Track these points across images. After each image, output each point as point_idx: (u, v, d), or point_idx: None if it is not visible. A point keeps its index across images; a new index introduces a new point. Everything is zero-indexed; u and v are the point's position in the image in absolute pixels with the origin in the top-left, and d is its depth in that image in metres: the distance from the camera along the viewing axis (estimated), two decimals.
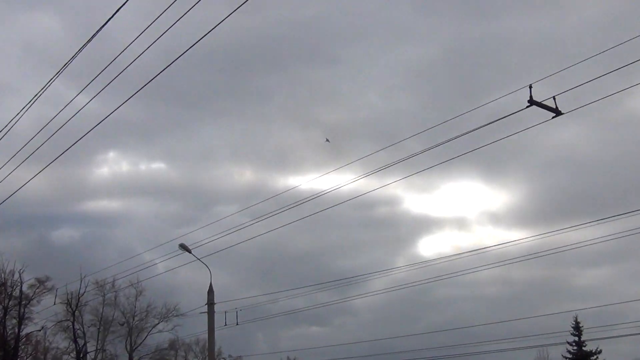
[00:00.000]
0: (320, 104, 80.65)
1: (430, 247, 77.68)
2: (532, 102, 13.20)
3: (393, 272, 27.70)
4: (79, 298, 47.19)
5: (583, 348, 46.61)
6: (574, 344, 46.76)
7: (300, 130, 79.63)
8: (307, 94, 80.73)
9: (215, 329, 25.36)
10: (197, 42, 10.82)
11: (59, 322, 47.65)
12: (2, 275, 46.30)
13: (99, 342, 48.58)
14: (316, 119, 78.37)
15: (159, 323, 50.99)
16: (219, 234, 23.74)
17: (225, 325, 27.10)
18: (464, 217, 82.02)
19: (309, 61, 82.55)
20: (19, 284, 46.62)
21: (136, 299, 50.39)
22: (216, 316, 25.54)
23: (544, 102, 13.23)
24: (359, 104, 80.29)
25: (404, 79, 79.68)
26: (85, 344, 47.96)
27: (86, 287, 46.95)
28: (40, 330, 47.90)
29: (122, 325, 49.86)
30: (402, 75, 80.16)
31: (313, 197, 19.61)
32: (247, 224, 22.37)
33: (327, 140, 48.85)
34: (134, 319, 50.22)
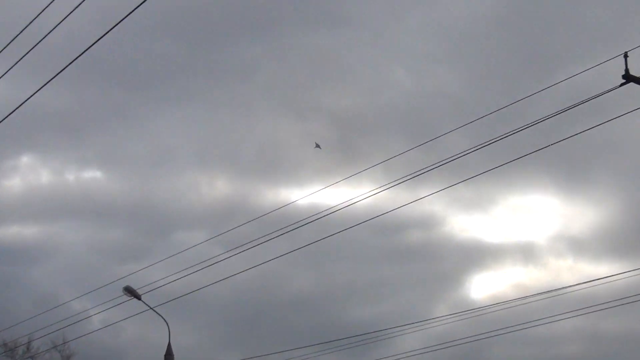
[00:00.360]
0: (325, 84, 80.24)
1: (485, 287, 76.82)
2: (628, 77, 13.15)
3: (432, 324, 27.52)
4: None
5: None
6: None
7: (296, 121, 79.18)
8: (306, 70, 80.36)
9: None
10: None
11: None
12: None
13: None
14: (318, 106, 78.00)
15: None
16: (180, 272, 23.68)
17: None
18: (531, 243, 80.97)
19: (308, 24, 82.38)
20: None
21: None
22: None
23: None
24: (379, 83, 79.84)
25: (443, 47, 79.21)
26: None
27: None
28: None
29: None
30: (440, 41, 79.73)
31: (316, 217, 19.62)
32: (220, 258, 22.37)
33: (317, 145, 46.83)
34: None
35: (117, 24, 11.48)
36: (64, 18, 11.56)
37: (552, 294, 24.12)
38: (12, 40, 12.31)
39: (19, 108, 13.64)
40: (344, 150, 70.06)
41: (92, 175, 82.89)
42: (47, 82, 12.92)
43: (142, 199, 78.96)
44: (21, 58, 12.47)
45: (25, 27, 12.09)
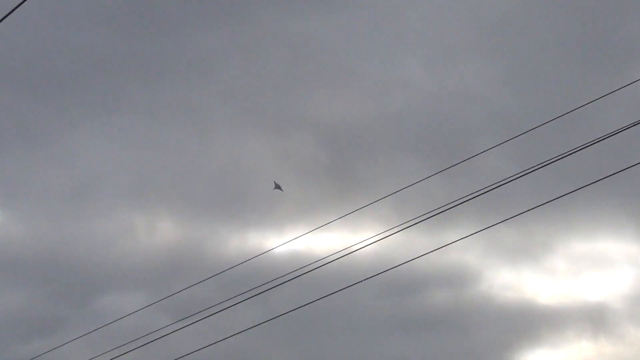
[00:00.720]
0: (311, 86, 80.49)
1: None
2: None
3: None
4: None
5: None
6: None
7: (272, 137, 79.08)
8: (285, 68, 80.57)
9: None
10: None
11: None
12: None
13: None
14: (302, 116, 78.07)
15: None
16: (109, 351, 23.55)
17: None
18: (602, 307, 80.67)
19: (288, 6, 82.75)
20: None
21: None
22: None
23: None
24: (385, 85, 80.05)
25: (473, 35, 79.68)
26: None
27: None
28: None
29: None
30: (469, 28, 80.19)
31: (300, 272, 19.65)
32: (165, 331, 22.26)
33: (278, 186, 48.59)
34: None
35: (16, 8, 11.50)
36: None
37: None
38: None
39: None
40: (338, 178, 69.94)
41: None
42: None
43: (55, 249, 77.96)
44: None
45: None
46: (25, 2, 11.42)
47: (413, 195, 19.58)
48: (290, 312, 20.68)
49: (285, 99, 77.27)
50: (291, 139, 73.93)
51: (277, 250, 23.39)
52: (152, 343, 22.58)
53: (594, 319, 73.89)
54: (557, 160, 15.42)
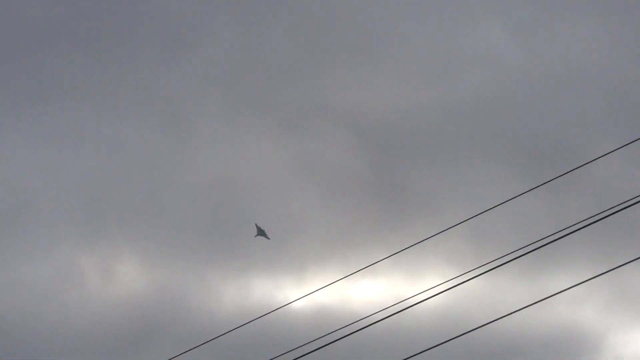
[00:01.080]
0: (340, 62, 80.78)
1: None
2: None
3: None
4: None
5: None
6: None
7: (285, 137, 79.29)
8: (300, 38, 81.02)
9: None
10: None
11: None
12: None
13: None
14: (329, 105, 78.34)
15: None
16: None
17: None
18: None
19: None
20: None
21: None
22: None
23: None
24: (453, 58, 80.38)
25: None
26: None
27: None
28: None
29: None
30: None
31: (330, 337, 19.56)
32: None
33: (261, 232, 53.42)
34: None
35: None
36: None
37: None
38: None
39: None
40: (383, 195, 70.10)
41: None
42: None
43: None
44: None
45: None
46: None
47: (498, 221, 19.48)
48: None
49: (301, 82, 77.10)
50: (312, 140, 73.72)
51: (296, 305, 23.40)
52: None
53: None
54: None
